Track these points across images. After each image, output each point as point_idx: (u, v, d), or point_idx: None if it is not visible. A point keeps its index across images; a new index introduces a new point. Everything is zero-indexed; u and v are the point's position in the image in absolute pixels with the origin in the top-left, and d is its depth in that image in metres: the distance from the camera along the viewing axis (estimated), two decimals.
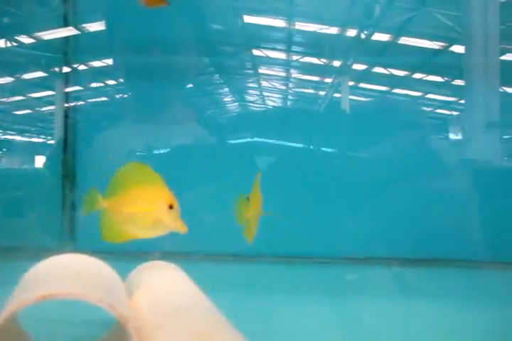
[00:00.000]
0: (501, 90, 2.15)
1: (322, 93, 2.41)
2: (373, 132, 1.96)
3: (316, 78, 2.52)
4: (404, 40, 2.65)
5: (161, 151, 2.03)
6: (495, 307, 1.10)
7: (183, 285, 0.81)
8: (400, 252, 1.71)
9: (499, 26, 1.96)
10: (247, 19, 2.40)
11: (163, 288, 0.78)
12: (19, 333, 0.75)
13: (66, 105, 1.97)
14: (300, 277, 1.48)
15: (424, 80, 2.77)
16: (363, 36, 2.47)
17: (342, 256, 1.70)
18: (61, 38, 2.00)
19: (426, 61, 2.79)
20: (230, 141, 2.04)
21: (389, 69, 2.67)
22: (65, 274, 0.68)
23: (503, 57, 2.39)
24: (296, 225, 1.75)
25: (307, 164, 1.97)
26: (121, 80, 2.01)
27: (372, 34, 2.49)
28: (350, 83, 2.42)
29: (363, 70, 2.61)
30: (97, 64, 2.18)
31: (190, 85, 2.15)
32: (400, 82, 2.68)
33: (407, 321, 1.05)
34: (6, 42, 3.04)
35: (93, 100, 2.17)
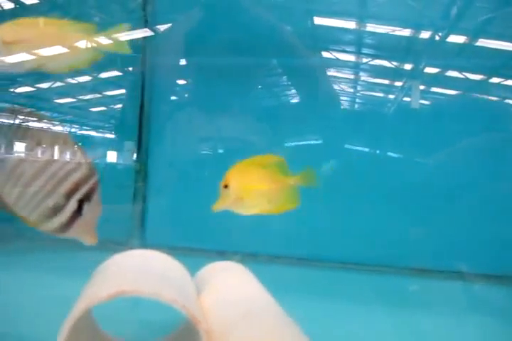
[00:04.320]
0: None
1: (391, 97, 2.35)
2: (444, 137, 1.89)
3: (386, 81, 2.46)
4: (481, 42, 2.53)
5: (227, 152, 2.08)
6: None
7: (251, 288, 0.80)
8: (472, 266, 1.64)
9: None
10: (318, 21, 2.38)
11: (232, 290, 0.78)
12: (92, 327, 0.78)
13: (141, 102, 2.06)
14: (360, 285, 1.46)
15: (501, 85, 2.62)
16: (437, 38, 2.38)
17: (407, 267, 1.66)
18: (140, 38, 2.09)
19: (505, 64, 2.64)
20: (296, 144, 2.04)
21: (464, 73, 2.56)
22: (139, 272, 0.69)
23: None
24: (360, 232, 1.72)
25: (373, 169, 1.93)
26: (194, 79, 2.07)
27: (447, 36, 2.39)
28: (422, 87, 2.34)
29: (436, 74, 2.52)
30: (171, 63, 2.25)
31: (258, 86, 2.17)
32: (475, 86, 2.56)
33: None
34: (86, 42, 3.21)
35: (167, 98, 2.24)
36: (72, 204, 0.82)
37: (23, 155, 0.85)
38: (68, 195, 0.82)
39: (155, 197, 2.03)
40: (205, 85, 2.04)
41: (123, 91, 2.69)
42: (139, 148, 2.06)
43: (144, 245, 1.92)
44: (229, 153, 2.05)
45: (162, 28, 2.17)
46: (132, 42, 2.24)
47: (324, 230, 1.82)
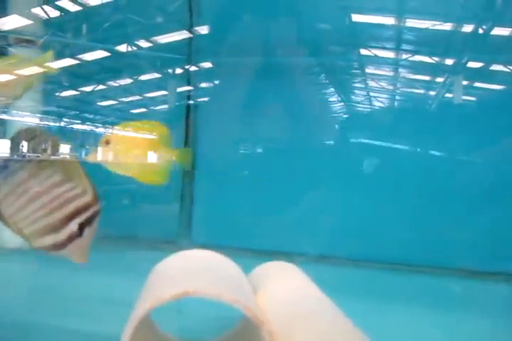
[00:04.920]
0: None
1: (432, 93, 2.30)
2: (488, 134, 1.84)
3: (426, 77, 2.40)
4: None
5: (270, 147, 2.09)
6: None
7: (307, 288, 0.78)
8: None
9: None
10: (355, 18, 2.35)
11: (289, 290, 0.77)
12: (151, 327, 0.78)
13: (187, 103, 2.09)
14: (406, 286, 1.44)
15: None
16: (480, 31, 2.30)
17: (451, 267, 1.62)
18: (183, 40, 2.13)
19: None
20: (335, 142, 2.02)
21: (510, 67, 2.46)
22: (199, 272, 0.69)
23: None
24: (403, 232, 1.69)
25: (414, 168, 1.89)
26: (239, 79, 2.09)
27: (491, 29, 2.31)
28: (464, 82, 2.27)
29: (479, 68, 2.43)
30: (213, 64, 2.27)
31: (301, 85, 2.16)
32: None
33: None
34: (127, 46, 3.30)
35: (211, 98, 2.26)
36: (73, 226, 0.86)
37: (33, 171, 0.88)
38: (70, 217, 0.86)
39: (202, 197, 2.07)
40: (251, 85, 2.05)
41: (167, 92, 2.74)
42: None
43: (191, 244, 1.95)
44: (274, 153, 2.06)
45: (204, 29, 2.19)
46: (177, 44, 2.28)
47: (371, 230, 1.80)
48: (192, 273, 0.69)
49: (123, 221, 2.04)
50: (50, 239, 0.86)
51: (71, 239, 0.86)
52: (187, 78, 2.15)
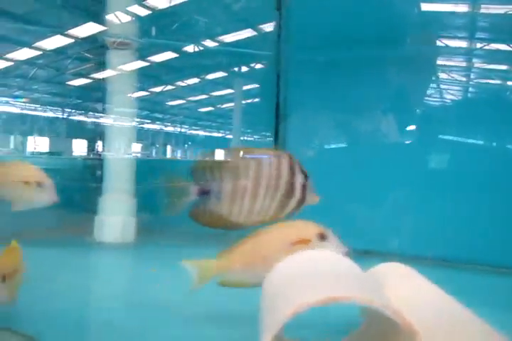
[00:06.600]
0: None
1: (510, 83, 2.15)
2: None
3: (503, 67, 2.25)
4: None
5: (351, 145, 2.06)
6: None
7: (439, 294, 0.75)
8: None
9: None
10: (425, 7, 2.25)
11: (419, 294, 0.74)
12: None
13: (277, 99, 2.09)
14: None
15: None
16: None
17: None
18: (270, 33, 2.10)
19: None
20: (406, 138, 1.96)
21: None
22: (333, 275, 0.66)
23: None
24: (495, 233, 1.61)
25: (490, 163, 1.79)
26: (328, 74, 2.07)
27: None
28: None
29: None
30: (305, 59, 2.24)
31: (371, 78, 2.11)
32: None
33: None
34: (194, 47, 3.38)
35: (300, 93, 2.25)
36: (298, 186, 0.92)
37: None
38: (291, 183, 0.92)
39: None
40: (339, 80, 2.02)
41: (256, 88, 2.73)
42: (276, 144, 2.10)
43: None
44: (363, 149, 2.03)
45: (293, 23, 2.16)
46: (266, 40, 2.27)
47: (461, 230, 1.72)
48: (327, 276, 0.66)
49: None
50: (293, 203, 0.92)
51: (303, 192, 0.93)
52: (276, 74, 2.14)
